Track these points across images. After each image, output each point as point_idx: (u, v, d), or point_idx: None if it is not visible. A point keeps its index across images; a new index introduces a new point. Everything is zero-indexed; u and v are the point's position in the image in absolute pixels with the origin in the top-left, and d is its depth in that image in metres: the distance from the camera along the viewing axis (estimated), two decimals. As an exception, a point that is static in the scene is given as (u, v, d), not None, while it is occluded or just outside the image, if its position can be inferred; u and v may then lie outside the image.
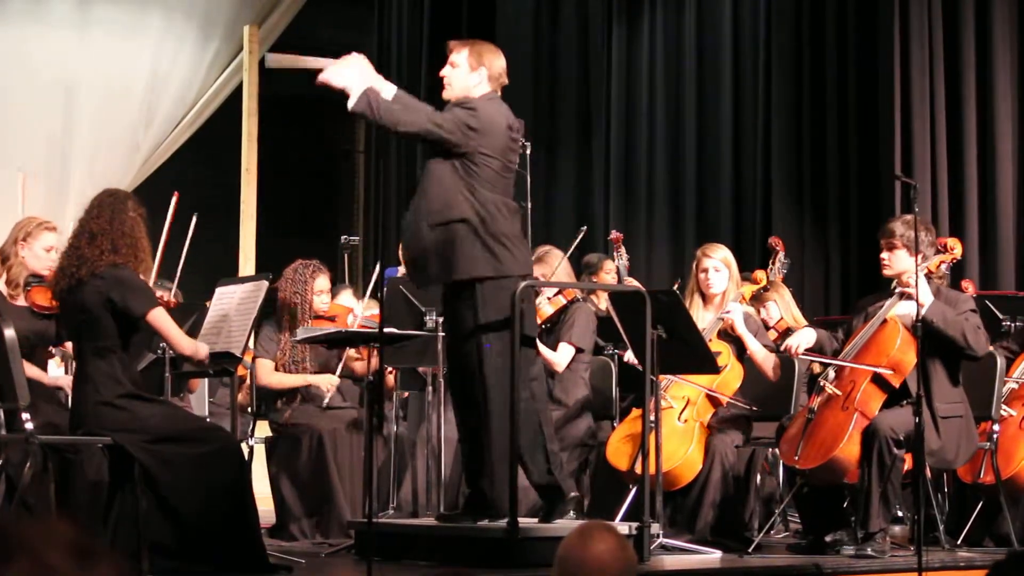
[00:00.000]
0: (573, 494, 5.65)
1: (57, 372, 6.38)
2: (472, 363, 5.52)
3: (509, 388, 5.35)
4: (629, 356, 6.75)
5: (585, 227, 8.01)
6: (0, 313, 5.69)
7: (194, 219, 6.93)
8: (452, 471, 6.91)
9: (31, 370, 5.71)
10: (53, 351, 6.25)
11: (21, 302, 6.01)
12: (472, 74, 5.65)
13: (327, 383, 6.94)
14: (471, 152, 5.49)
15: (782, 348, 6.25)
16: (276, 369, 6.99)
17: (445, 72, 5.75)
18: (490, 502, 5.53)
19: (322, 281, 7.07)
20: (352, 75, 5.55)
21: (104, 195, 5.38)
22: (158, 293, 5.89)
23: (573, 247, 7.51)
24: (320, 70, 5.57)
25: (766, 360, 6.47)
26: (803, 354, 6.14)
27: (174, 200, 6.67)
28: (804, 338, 6.12)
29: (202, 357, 5.41)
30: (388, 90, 5.62)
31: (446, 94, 5.74)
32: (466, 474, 5.82)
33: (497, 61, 5.69)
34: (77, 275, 5.20)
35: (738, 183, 10.22)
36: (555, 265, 7.18)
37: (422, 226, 5.51)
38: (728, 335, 6.48)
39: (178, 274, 6.94)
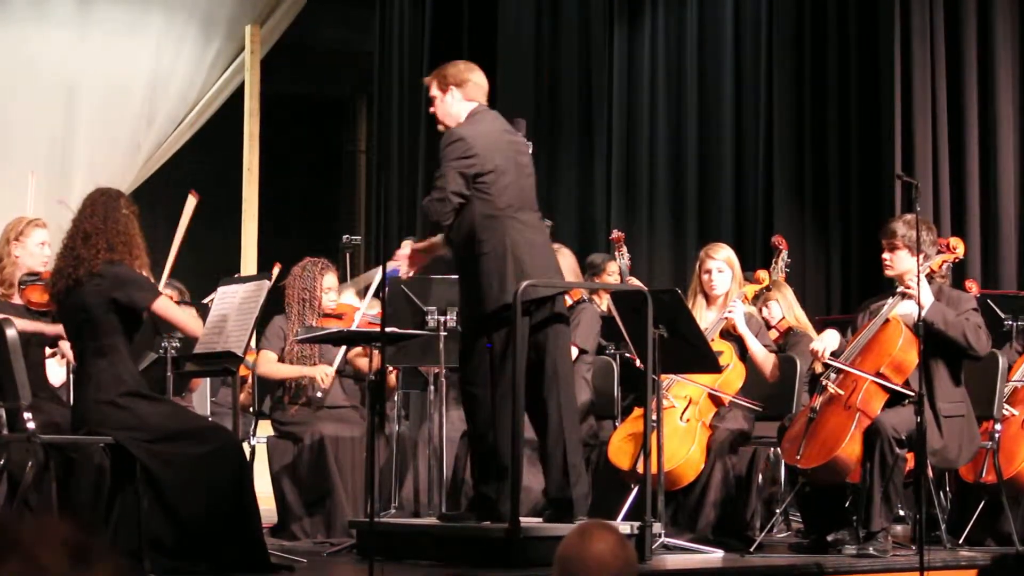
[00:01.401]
0: (581, 519, 5.59)
1: (58, 371, 6.38)
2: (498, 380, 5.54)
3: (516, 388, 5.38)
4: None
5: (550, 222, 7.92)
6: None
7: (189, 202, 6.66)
8: (454, 470, 6.92)
9: (27, 324, 5.71)
10: (48, 350, 6.24)
11: (16, 300, 6.02)
12: (446, 98, 5.74)
13: (322, 374, 6.92)
14: (480, 175, 5.53)
15: (809, 351, 6.24)
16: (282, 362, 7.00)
17: (432, 109, 5.84)
18: (494, 504, 5.53)
19: (330, 279, 7.08)
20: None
21: (96, 194, 5.38)
22: (167, 292, 5.91)
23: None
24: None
25: (766, 360, 6.47)
26: (828, 359, 6.10)
27: (192, 201, 6.55)
28: (830, 341, 6.10)
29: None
30: None
31: (441, 129, 5.81)
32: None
33: (466, 73, 5.74)
34: (75, 275, 5.19)
35: (739, 182, 10.22)
36: (562, 264, 7.16)
37: (457, 261, 5.66)
38: (731, 334, 6.48)
39: (168, 265, 6.73)
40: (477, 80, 5.75)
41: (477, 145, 5.56)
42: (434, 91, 5.77)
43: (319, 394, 6.95)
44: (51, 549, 1.72)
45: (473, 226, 5.54)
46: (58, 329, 5.71)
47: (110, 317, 5.17)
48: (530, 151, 5.93)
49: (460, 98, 5.72)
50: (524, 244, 5.56)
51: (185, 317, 5.35)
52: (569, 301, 7.04)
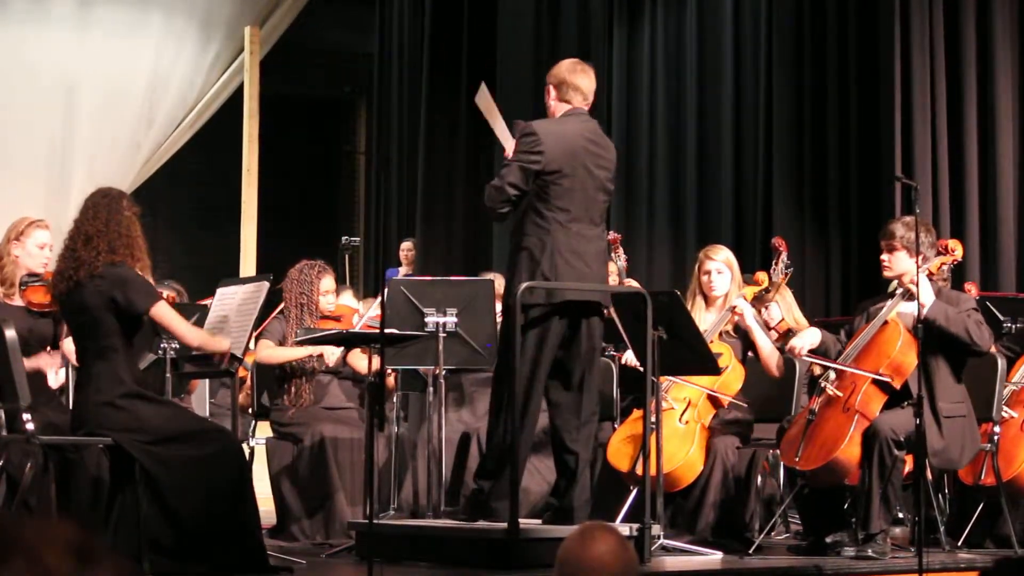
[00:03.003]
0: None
1: (58, 373, 6.37)
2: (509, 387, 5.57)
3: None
4: (628, 358, 6.75)
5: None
6: (-1, 313, 5.69)
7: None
8: (453, 471, 6.92)
9: (30, 362, 5.72)
10: (50, 350, 6.24)
11: (17, 301, 6.01)
12: (547, 97, 5.79)
13: (329, 350, 6.90)
14: (542, 173, 5.55)
15: (786, 348, 6.24)
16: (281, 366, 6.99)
17: None
18: (486, 499, 5.58)
19: (327, 281, 7.07)
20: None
21: (98, 195, 5.37)
22: (165, 293, 5.89)
23: None
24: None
25: (771, 355, 6.45)
26: (807, 355, 6.13)
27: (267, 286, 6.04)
28: (808, 339, 6.12)
29: (219, 349, 5.41)
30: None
31: None
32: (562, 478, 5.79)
33: (567, 75, 5.74)
34: (75, 277, 5.19)
35: (739, 184, 10.22)
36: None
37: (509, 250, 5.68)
38: (731, 336, 6.48)
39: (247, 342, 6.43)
40: (575, 82, 5.73)
41: (547, 143, 5.57)
42: (548, 87, 5.82)
43: (329, 362, 6.91)
44: (56, 550, 1.72)
45: (523, 220, 5.59)
46: (55, 361, 5.78)
47: (109, 318, 5.16)
48: (612, 164, 5.83)
49: (555, 98, 5.75)
50: (566, 251, 5.55)
51: (182, 325, 5.32)
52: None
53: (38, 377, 5.85)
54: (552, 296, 5.50)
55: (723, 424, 6.40)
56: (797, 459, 5.99)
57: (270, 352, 6.94)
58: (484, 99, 5.82)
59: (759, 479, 6.55)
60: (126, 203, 5.34)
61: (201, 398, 7.60)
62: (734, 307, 6.43)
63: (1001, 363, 6.47)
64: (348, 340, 6.55)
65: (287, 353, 6.92)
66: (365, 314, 7.17)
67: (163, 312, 5.22)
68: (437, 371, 6.63)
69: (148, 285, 5.26)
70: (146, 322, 5.28)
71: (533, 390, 5.56)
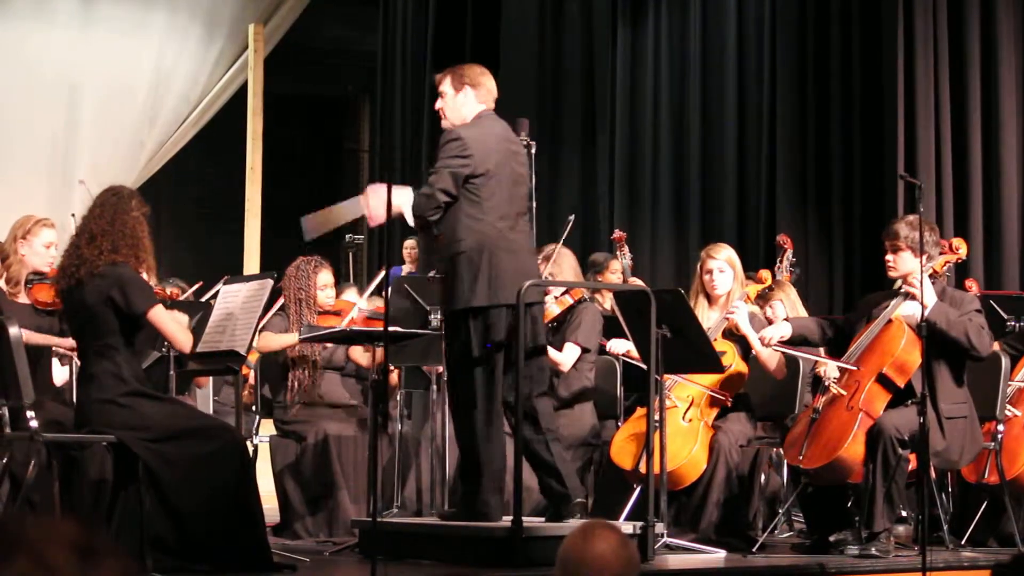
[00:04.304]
0: (579, 500, 5.62)
1: (61, 371, 6.38)
2: (471, 387, 5.58)
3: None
4: (612, 346, 6.77)
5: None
6: (3, 311, 5.69)
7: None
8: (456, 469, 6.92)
9: (38, 338, 5.73)
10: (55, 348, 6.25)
11: (23, 299, 6.01)
12: (459, 96, 5.81)
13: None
14: (472, 176, 5.58)
15: (757, 337, 6.26)
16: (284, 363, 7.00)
17: (438, 105, 5.90)
18: (474, 498, 5.59)
19: (325, 276, 7.08)
20: (392, 199, 5.34)
21: (107, 194, 5.35)
22: (168, 290, 5.89)
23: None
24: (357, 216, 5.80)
25: (771, 358, 6.45)
26: (776, 345, 6.15)
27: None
28: (779, 331, 6.15)
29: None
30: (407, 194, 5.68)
31: (444, 124, 5.88)
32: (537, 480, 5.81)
33: (482, 77, 5.83)
34: (77, 275, 5.19)
35: (742, 182, 10.22)
36: (563, 264, 7.18)
37: (440, 258, 5.69)
38: (733, 334, 6.48)
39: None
40: (490, 86, 5.85)
41: (473, 147, 5.62)
42: (446, 88, 5.83)
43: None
44: (59, 549, 1.72)
45: (456, 225, 5.61)
46: (70, 343, 5.75)
47: (109, 317, 5.15)
48: (533, 150, 5.96)
49: (472, 99, 5.80)
50: (503, 249, 5.60)
51: (176, 330, 5.31)
52: (570, 301, 7.05)
53: (42, 373, 5.86)
54: (495, 297, 5.52)
55: (725, 418, 6.40)
56: (801, 458, 5.99)
57: (268, 339, 6.93)
58: (314, 224, 5.81)
59: (762, 477, 6.55)
60: (135, 203, 5.33)
61: (205, 396, 7.61)
62: (728, 316, 6.42)
63: (1005, 362, 6.47)
64: (352, 338, 6.56)
65: (285, 339, 6.93)
66: (366, 307, 7.17)
67: (159, 316, 5.21)
68: (441, 369, 6.64)
69: (147, 287, 5.25)
70: (144, 323, 5.28)
71: (495, 391, 5.59)
